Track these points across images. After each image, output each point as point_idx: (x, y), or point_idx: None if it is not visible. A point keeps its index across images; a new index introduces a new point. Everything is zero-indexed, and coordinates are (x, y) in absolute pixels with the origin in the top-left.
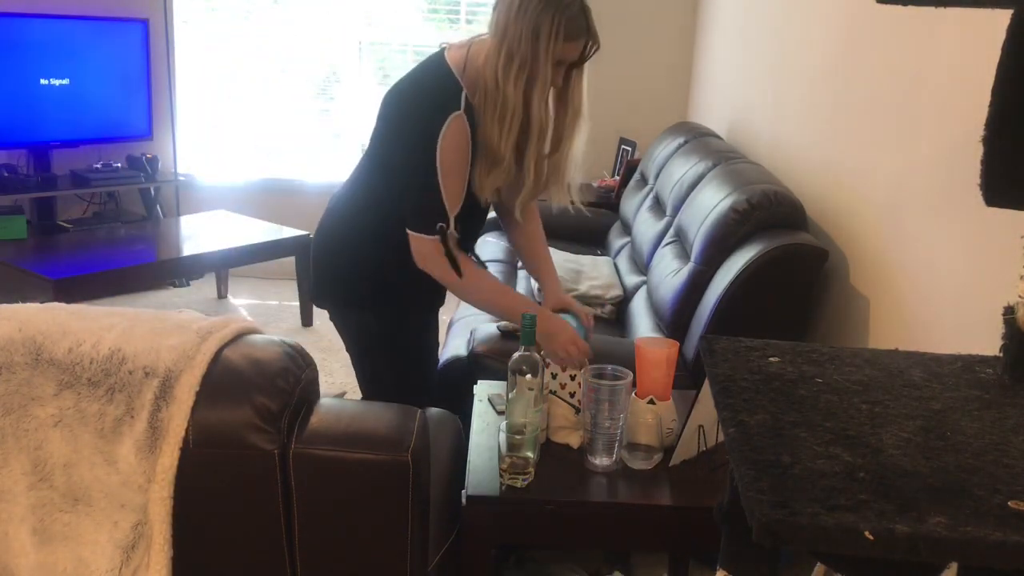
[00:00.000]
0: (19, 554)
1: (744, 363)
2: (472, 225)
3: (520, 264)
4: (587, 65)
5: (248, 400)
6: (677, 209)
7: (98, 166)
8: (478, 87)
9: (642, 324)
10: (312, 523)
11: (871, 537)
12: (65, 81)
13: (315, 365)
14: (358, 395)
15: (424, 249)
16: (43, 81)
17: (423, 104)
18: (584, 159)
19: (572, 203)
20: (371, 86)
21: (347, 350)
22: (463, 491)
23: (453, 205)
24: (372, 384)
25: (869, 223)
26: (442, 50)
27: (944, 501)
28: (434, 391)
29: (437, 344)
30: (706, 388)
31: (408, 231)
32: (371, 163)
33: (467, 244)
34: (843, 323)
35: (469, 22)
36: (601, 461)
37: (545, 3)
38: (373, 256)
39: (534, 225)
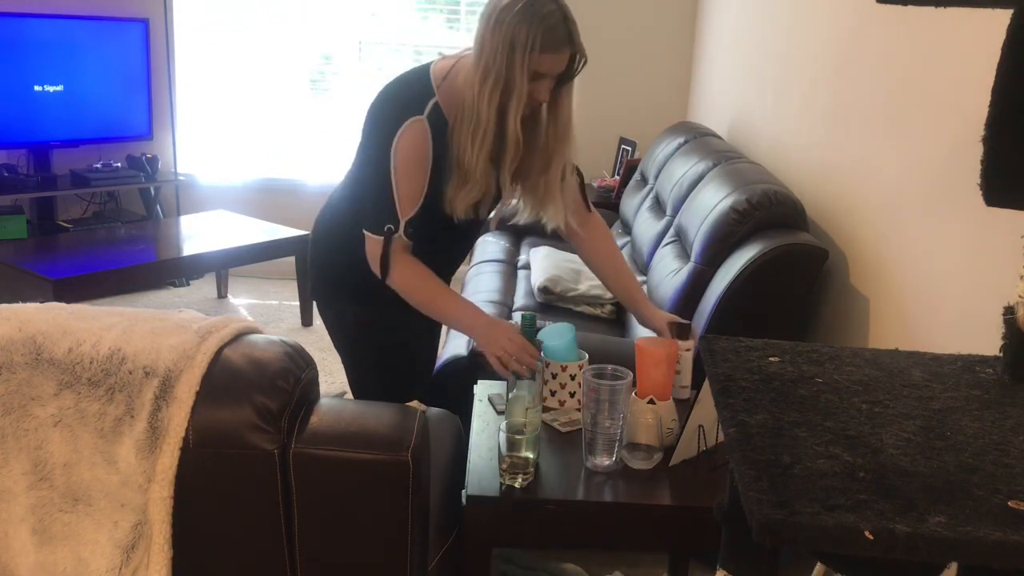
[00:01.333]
0: (19, 554)
1: (744, 363)
2: (453, 238)
3: (520, 264)
4: (587, 64)
5: (248, 400)
6: (677, 209)
7: (98, 166)
8: (455, 101)
9: None
10: (312, 523)
11: (871, 537)
12: (59, 88)
13: (315, 365)
14: None
15: (369, 249)
16: (37, 88)
17: (387, 107)
18: (582, 161)
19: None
20: (371, 86)
21: (334, 346)
22: (463, 491)
23: (405, 209)
24: (355, 377)
25: (869, 223)
26: (434, 60)
27: (944, 501)
28: (422, 390)
29: (428, 344)
30: (706, 388)
31: (364, 231)
32: (353, 163)
33: (450, 257)
34: (843, 323)
35: (468, 21)
36: (601, 461)
37: (521, 14)
38: (351, 252)
39: (603, 243)
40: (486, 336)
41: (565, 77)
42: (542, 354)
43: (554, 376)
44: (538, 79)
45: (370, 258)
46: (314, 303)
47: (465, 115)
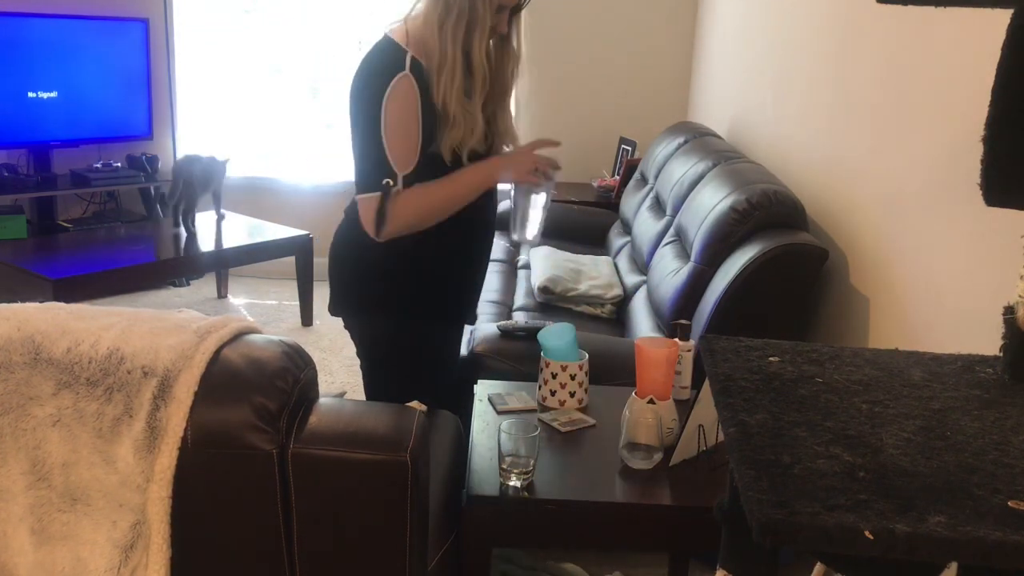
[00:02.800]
0: (17, 553)
1: (744, 363)
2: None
3: (520, 264)
4: (586, 65)
5: (247, 400)
6: (677, 209)
7: (98, 166)
8: (426, 49)
9: (642, 324)
10: (311, 523)
11: (871, 537)
12: (53, 94)
13: (314, 365)
14: (358, 395)
15: (363, 210)
16: (31, 94)
17: (368, 78)
18: (582, 160)
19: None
20: None
21: (359, 358)
22: (463, 491)
23: (402, 164)
24: (376, 395)
25: (869, 223)
26: (385, 33)
27: (944, 501)
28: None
29: (455, 360)
30: (706, 388)
31: (356, 198)
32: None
33: (486, 219)
34: (843, 323)
35: None
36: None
37: None
38: (381, 259)
39: None
40: (506, 168)
41: (516, 8)
42: (542, 354)
43: (554, 376)
44: (500, 11)
45: (365, 222)
46: (331, 315)
47: (435, 57)
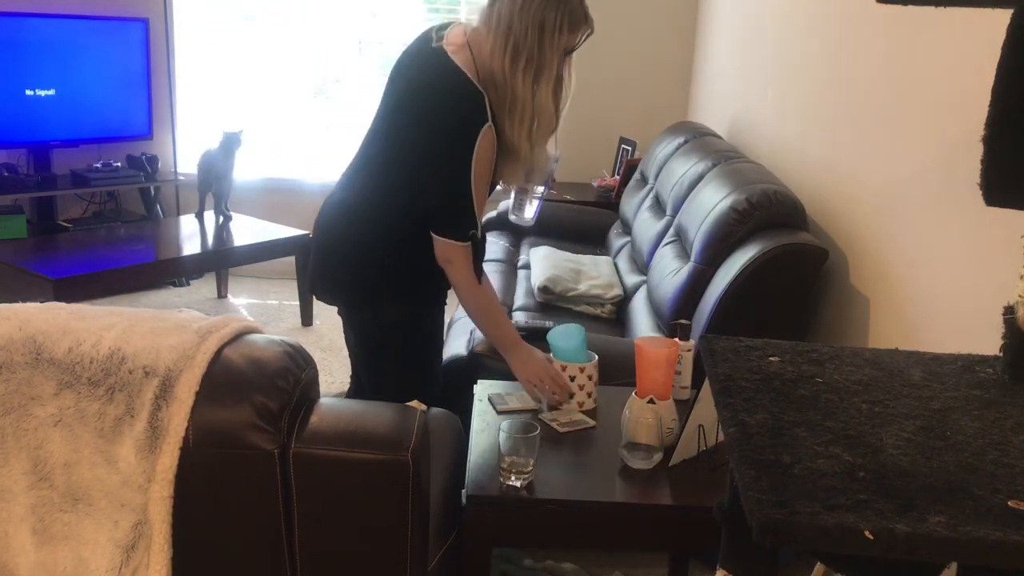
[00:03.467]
0: (19, 553)
1: (744, 363)
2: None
3: (520, 263)
4: (586, 64)
5: (248, 400)
6: (677, 208)
7: (98, 166)
8: (488, 85)
9: (642, 324)
10: (312, 523)
11: (871, 537)
12: (51, 92)
13: (315, 364)
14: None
15: (450, 253)
16: (28, 92)
17: (453, 115)
18: (582, 160)
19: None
20: (371, 85)
21: (354, 348)
22: (463, 491)
23: (481, 212)
24: (377, 382)
25: (869, 223)
26: (439, 47)
27: (944, 501)
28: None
29: (440, 346)
30: (706, 388)
31: (435, 235)
32: (386, 159)
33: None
34: (843, 323)
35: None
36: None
37: None
38: (395, 251)
39: None
40: (522, 362)
41: (572, 49)
42: (551, 354)
43: (572, 379)
44: (566, 54)
45: (445, 261)
46: (324, 302)
47: (507, 99)
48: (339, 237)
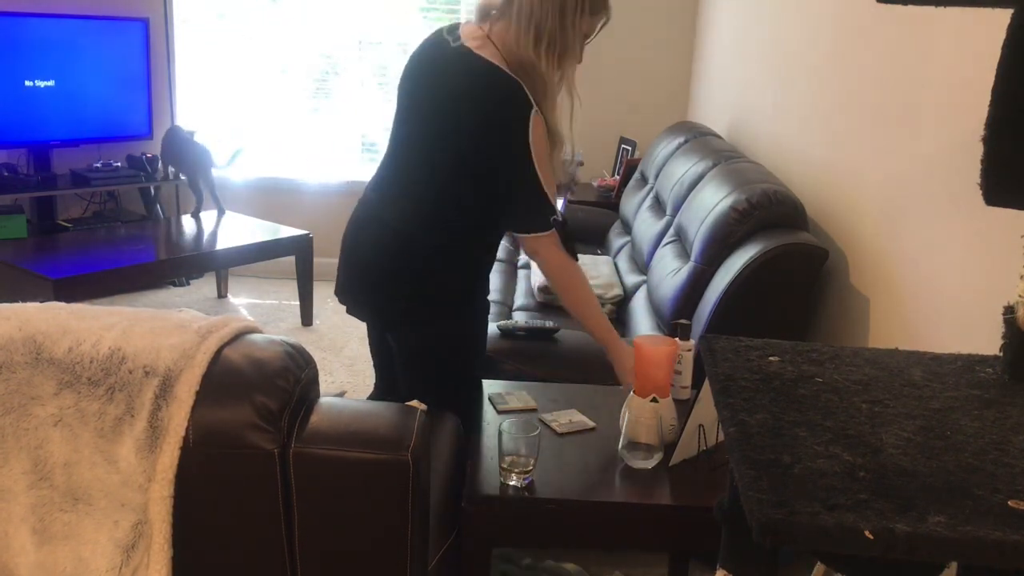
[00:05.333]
0: (19, 553)
1: (744, 363)
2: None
3: (520, 263)
4: (586, 65)
5: (248, 399)
6: (677, 208)
7: (98, 165)
8: (519, 73)
9: (642, 323)
10: (312, 522)
11: (871, 537)
12: (51, 83)
13: (315, 364)
14: (357, 394)
15: (537, 245)
16: (28, 83)
17: (500, 111)
18: (583, 157)
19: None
20: (370, 85)
21: (415, 369)
22: (463, 491)
23: (553, 196)
24: (421, 393)
25: (869, 223)
26: (462, 46)
27: (944, 501)
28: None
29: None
30: (706, 388)
31: (519, 234)
32: (429, 172)
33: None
34: (843, 323)
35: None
36: None
37: None
38: (443, 271)
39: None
40: (624, 353)
41: (589, 36)
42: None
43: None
44: (586, 38)
45: (536, 254)
46: (386, 332)
47: (538, 84)
48: (379, 256)
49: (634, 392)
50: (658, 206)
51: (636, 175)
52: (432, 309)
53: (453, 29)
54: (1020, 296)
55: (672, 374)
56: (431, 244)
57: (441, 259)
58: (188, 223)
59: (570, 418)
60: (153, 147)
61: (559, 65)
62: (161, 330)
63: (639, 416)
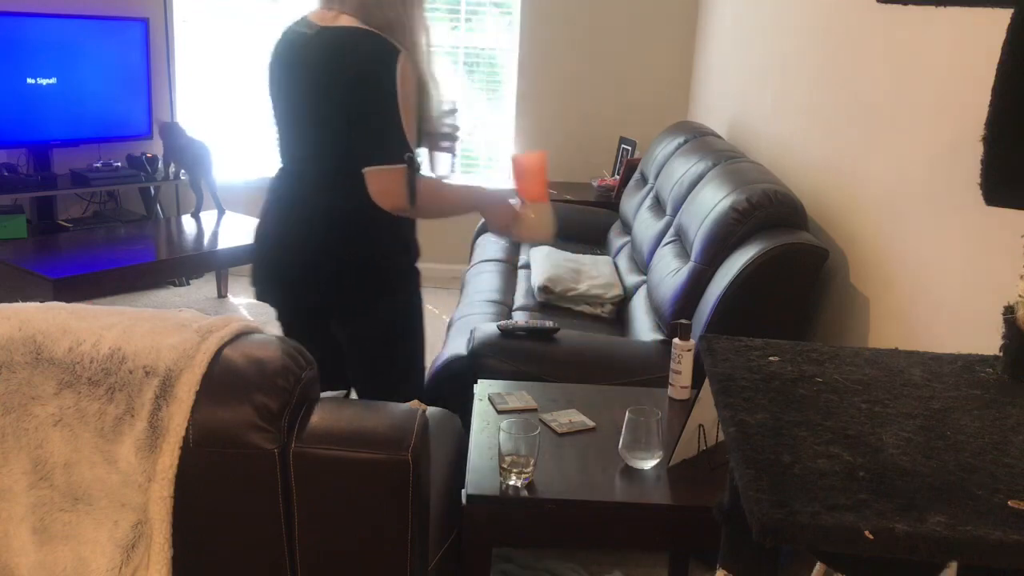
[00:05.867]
0: (19, 553)
1: (744, 362)
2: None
3: (520, 263)
4: (586, 65)
5: (248, 399)
6: (677, 208)
7: (98, 165)
8: (384, 31)
9: (642, 323)
10: (312, 522)
11: (871, 537)
12: (52, 80)
13: (315, 364)
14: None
15: (383, 181)
16: (30, 80)
17: (365, 63)
18: (582, 160)
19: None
20: None
21: (361, 350)
22: (463, 491)
23: (413, 140)
24: (397, 373)
25: (869, 222)
26: (320, 28)
27: (944, 501)
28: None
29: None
30: (706, 388)
31: (366, 170)
32: (321, 151)
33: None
34: (843, 323)
35: (468, 20)
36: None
37: None
38: (381, 239)
39: None
40: (492, 215)
41: None
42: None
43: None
44: None
45: (383, 193)
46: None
47: (399, 34)
48: (302, 248)
49: (522, 200)
50: (658, 206)
51: (636, 175)
52: (380, 284)
53: (300, 22)
54: (1020, 296)
55: (545, 181)
56: (348, 228)
57: (357, 241)
58: (188, 223)
59: (570, 418)
60: (153, 147)
61: (410, 12)
62: (161, 330)
63: (539, 217)
